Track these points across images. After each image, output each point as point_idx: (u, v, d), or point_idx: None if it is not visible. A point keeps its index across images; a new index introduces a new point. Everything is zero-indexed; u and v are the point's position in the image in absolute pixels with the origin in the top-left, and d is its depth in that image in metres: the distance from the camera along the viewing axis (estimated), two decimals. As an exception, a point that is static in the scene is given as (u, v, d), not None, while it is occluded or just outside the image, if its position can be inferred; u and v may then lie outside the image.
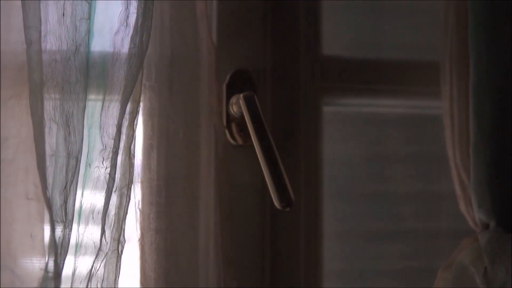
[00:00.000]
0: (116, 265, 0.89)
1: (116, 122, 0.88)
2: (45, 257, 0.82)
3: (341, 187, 1.21)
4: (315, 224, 1.10)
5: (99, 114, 0.91)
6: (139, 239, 0.96)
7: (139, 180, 0.98)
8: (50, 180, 0.86)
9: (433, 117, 1.18)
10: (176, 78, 1.00)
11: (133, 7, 0.92)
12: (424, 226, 1.24)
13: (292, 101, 1.10)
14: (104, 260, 0.89)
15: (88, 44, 0.94)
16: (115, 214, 0.90)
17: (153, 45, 1.01)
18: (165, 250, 0.95)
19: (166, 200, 0.96)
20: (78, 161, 0.90)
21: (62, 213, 0.86)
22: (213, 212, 0.97)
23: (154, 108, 0.99)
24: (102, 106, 0.90)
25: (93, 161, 0.90)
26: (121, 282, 0.92)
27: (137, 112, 0.94)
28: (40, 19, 0.87)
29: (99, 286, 0.89)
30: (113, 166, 0.88)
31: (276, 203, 0.91)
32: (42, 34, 0.91)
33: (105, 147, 0.89)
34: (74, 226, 0.89)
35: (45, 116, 0.88)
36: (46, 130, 0.88)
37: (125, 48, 0.91)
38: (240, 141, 1.07)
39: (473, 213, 1.04)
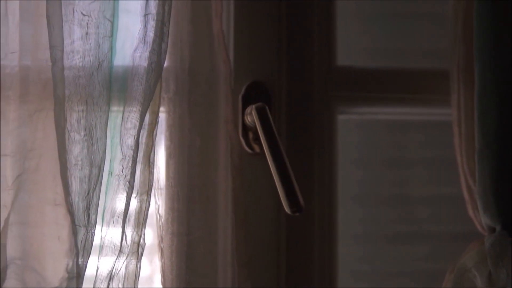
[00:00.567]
0: (136, 266, 0.96)
1: (134, 133, 0.95)
2: (67, 259, 0.89)
3: (360, 191, 1.25)
4: (328, 227, 1.15)
5: (120, 126, 0.98)
6: (159, 242, 1.03)
7: (159, 187, 1.05)
8: (73, 187, 0.93)
9: (448, 123, 1.23)
10: (194, 91, 1.06)
11: (151, 25, 0.98)
12: (441, 228, 1.27)
13: (307, 111, 1.15)
14: (125, 261, 0.96)
15: (110, 60, 1.01)
16: (135, 218, 0.97)
17: (172, 60, 1.08)
18: (183, 252, 1.02)
19: (184, 206, 1.02)
20: (101, 169, 0.97)
21: (84, 218, 0.93)
22: (228, 217, 1.03)
23: (172, 119, 1.06)
24: (122, 118, 0.97)
25: (114, 169, 0.97)
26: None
27: (156, 123, 1.00)
28: (63, 39, 0.95)
29: (120, 286, 0.96)
30: (132, 174, 0.95)
31: (286, 208, 0.96)
32: (67, 51, 0.98)
33: (125, 156, 0.96)
34: (97, 229, 0.97)
35: (69, 128, 0.95)
36: (70, 141, 0.95)
37: (143, 64, 0.98)
38: (256, 149, 1.13)
39: (480, 217, 1.07)
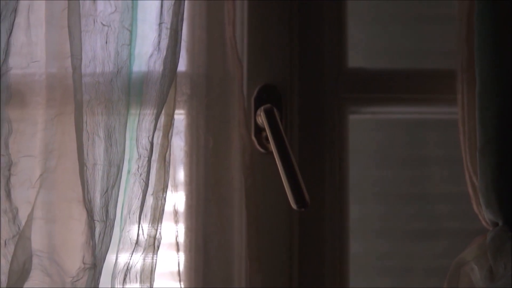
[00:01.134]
0: (153, 259, 1.03)
1: (148, 134, 1.02)
2: (83, 251, 0.96)
3: (379, 189, 1.29)
4: (339, 224, 1.19)
5: (136, 128, 1.05)
6: (175, 237, 1.09)
7: (175, 184, 1.11)
8: (92, 185, 1.00)
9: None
10: (207, 94, 1.13)
11: (164, 34, 1.05)
12: (458, 225, 1.30)
13: (318, 111, 1.20)
14: (142, 254, 1.03)
15: (129, 67, 1.08)
16: (151, 214, 1.04)
17: (187, 65, 1.14)
18: (197, 246, 1.09)
19: (198, 202, 1.09)
20: (119, 169, 1.04)
21: (103, 214, 1.00)
22: (241, 213, 1.09)
23: (187, 121, 1.12)
24: (138, 120, 1.04)
25: (131, 168, 1.04)
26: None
27: (171, 125, 1.07)
28: (81, 48, 1.02)
29: (137, 277, 1.02)
30: (147, 172, 1.01)
31: (292, 204, 1.01)
32: (88, 59, 1.05)
33: (140, 156, 1.02)
34: (116, 224, 1.03)
35: (89, 130, 1.02)
36: (90, 142, 1.02)
37: (157, 69, 1.04)
38: (269, 148, 1.18)
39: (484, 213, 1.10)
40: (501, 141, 1.05)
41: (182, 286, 1.08)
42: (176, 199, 1.10)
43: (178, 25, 1.05)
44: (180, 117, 1.15)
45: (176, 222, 1.09)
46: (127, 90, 1.06)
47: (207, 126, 1.11)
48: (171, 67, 1.04)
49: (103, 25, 1.06)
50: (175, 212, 1.10)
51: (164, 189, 1.05)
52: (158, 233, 1.04)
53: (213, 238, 1.08)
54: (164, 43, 1.04)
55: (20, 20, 1.07)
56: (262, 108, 1.06)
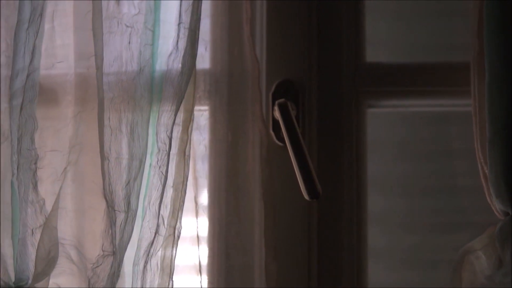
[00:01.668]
0: (173, 247, 1.08)
1: (167, 129, 1.07)
2: (103, 239, 1.02)
3: (404, 182, 1.31)
4: (358, 216, 1.22)
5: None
6: (196, 227, 1.15)
7: (196, 176, 1.16)
8: (114, 177, 1.06)
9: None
10: (226, 90, 1.17)
11: (182, 33, 1.10)
12: (484, 217, 1.30)
13: (336, 106, 1.23)
14: (163, 243, 1.08)
15: (152, 65, 1.13)
16: (171, 205, 1.09)
17: (210, 63, 1.19)
18: (215, 234, 1.14)
19: (215, 194, 1.14)
20: (142, 162, 1.09)
21: (124, 204, 1.06)
22: (257, 204, 1.13)
23: (207, 116, 1.17)
24: (158, 116, 1.09)
25: (152, 162, 1.09)
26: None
27: (190, 121, 1.12)
28: (102, 49, 1.07)
29: (159, 264, 1.07)
30: (165, 165, 1.06)
31: (305, 195, 1.06)
32: (112, 59, 1.11)
33: (159, 150, 1.08)
34: (138, 214, 1.09)
35: (112, 126, 1.08)
36: (113, 137, 1.08)
37: (175, 67, 1.09)
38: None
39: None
40: (510, 131, 1.07)
41: (203, 276, 1.13)
42: (196, 191, 1.16)
43: (196, 25, 1.10)
44: (204, 113, 1.20)
45: (197, 215, 1.15)
46: (150, 88, 1.12)
47: (226, 121, 1.15)
48: (188, 65, 1.09)
49: (127, 26, 1.12)
50: (196, 203, 1.15)
51: (184, 181, 1.10)
52: (178, 223, 1.09)
53: (231, 228, 1.13)
54: (182, 42, 1.09)
55: (47, 24, 1.14)
56: (276, 102, 1.10)
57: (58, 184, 1.07)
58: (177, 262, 1.08)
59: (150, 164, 1.10)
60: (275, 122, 1.21)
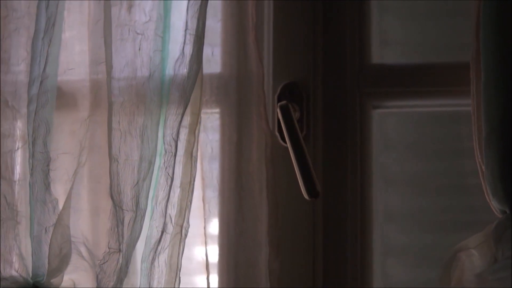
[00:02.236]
0: (180, 245, 1.12)
1: (172, 132, 1.11)
2: (108, 237, 1.08)
3: (416, 181, 1.33)
4: (362, 215, 1.24)
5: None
6: (204, 225, 1.19)
7: (203, 177, 1.20)
8: (123, 178, 1.11)
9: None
10: (232, 93, 1.21)
11: (188, 39, 1.14)
12: (492, 217, 1.32)
13: (341, 107, 1.26)
14: (170, 241, 1.12)
15: (162, 70, 1.18)
16: (178, 204, 1.14)
17: (214, 67, 1.23)
18: (221, 232, 1.18)
19: (220, 193, 1.18)
20: (151, 163, 1.14)
21: (133, 204, 1.10)
22: (261, 203, 1.17)
23: (214, 118, 1.21)
24: (164, 119, 1.13)
25: (160, 163, 1.14)
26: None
27: (197, 123, 1.16)
28: (111, 56, 1.13)
29: (166, 261, 1.12)
30: (171, 167, 1.11)
31: (304, 194, 1.10)
32: (123, 65, 1.16)
33: (166, 152, 1.12)
34: (147, 213, 1.14)
35: (121, 129, 1.13)
36: (122, 140, 1.13)
37: (181, 72, 1.14)
38: (292, 143, 1.26)
39: (494, 202, 1.14)
40: (506, 129, 1.08)
41: (210, 274, 1.18)
42: (204, 190, 1.20)
43: (201, 31, 1.14)
44: (211, 116, 1.24)
45: (205, 211, 1.19)
46: (160, 92, 1.17)
47: (234, 122, 1.20)
48: (194, 69, 1.14)
49: (137, 33, 1.17)
50: (203, 203, 1.20)
51: (191, 181, 1.15)
52: (185, 222, 1.14)
53: (235, 225, 1.17)
54: (188, 48, 1.14)
55: (67, 31, 1.20)
56: (278, 105, 1.14)
57: (69, 184, 1.13)
58: (185, 260, 1.13)
59: (159, 166, 1.15)
60: (280, 124, 1.25)
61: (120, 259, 1.07)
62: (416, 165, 1.34)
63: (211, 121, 1.22)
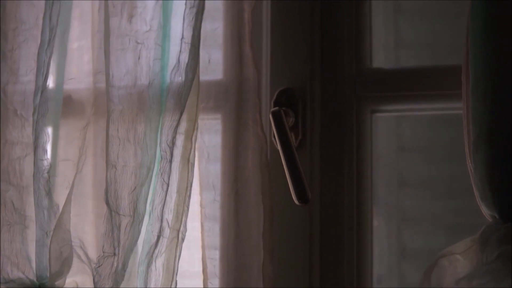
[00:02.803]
0: (176, 249, 1.16)
1: (167, 139, 1.15)
2: (103, 241, 1.11)
3: (423, 183, 1.34)
4: (358, 223, 1.25)
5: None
6: (201, 229, 1.22)
7: (201, 182, 1.23)
8: (121, 184, 1.15)
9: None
10: (228, 100, 1.24)
11: (183, 48, 1.18)
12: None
13: (339, 112, 1.27)
14: (167, 245, 1.15)
15: (161, 78, 1.21)
16: (175, 209, 1.17)
17: (209, 75, 1.26)
18: (218, 236, 1.20)
19: (216, 198, 1.21)
20: (150, 169, 1.18)
21: (130, 209, 1.14)
22: (256, 208, 1.19)
23: (210, 124, 1.24)
24: (161, 126, 1.17)
25: (157, 169, 1.17)
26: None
27: (193, 130, 1.19)
28: (109, 65, 1.16)
29: (164, 265, 1.15)
30: (167, 173, 1.14)
31: (295, 199, 1.12)
32: (123, 73, 1.20)
33: (162, 158, 1.16)
34: (145, 218, 1.17)
35: (120, 136, 1.17)
36: (121, 147, 1.16)
37: (177, 80, 1.17)
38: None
39: (485, 207, 1.13)
40: (492, 135, 1.07)
41: (204, 277, 1.20)
42: (201, 195, 1.23)
43: (196, 40, 1.17)
44: (207, 122, 1.26)
45: (202, 215, 1.22)
46: (159, 99, 1.20)
47: (230, 128, 1.22)
48: (189, 77, 1.17)
49: (138, 43, 1.21)
50: (201, 208, 1.23)
51: (188, 187, 1.18)
52: (182, 226, 1.17)
53: (229, 229, 1.19)
54: (183, 56, 1.17)
55: (76, 42, 1.24)
56: (270, 111, 1.17)
57: (68, 190, 1.17)
58: (181, 264, 1.16)
59: (156, 172, 1.18)
60: (277, 129, 1.28)
61: (115, 263, 1.11)
62: (416, 168, 1.36)
63: (208, 127, 1.25)
